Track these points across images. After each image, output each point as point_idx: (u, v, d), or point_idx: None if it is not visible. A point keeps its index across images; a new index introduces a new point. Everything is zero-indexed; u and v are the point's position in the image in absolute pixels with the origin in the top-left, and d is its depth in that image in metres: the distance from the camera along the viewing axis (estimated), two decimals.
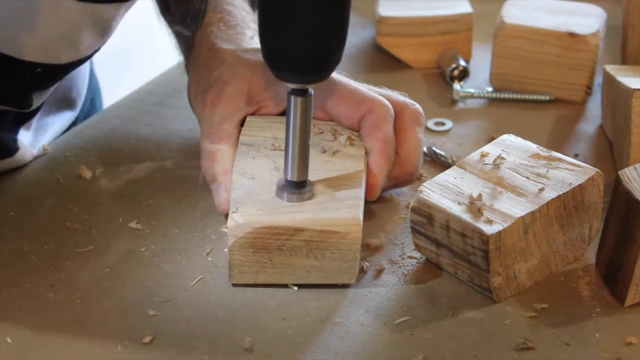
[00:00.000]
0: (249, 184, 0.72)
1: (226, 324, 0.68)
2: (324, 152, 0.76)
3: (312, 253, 0.69)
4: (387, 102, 0.78)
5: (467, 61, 1.05)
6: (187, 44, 0.89)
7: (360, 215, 0.69)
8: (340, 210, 0.69)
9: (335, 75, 0.80)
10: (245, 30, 0.87)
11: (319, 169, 0.74)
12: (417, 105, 0.80)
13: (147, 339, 0.66)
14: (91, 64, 1.08)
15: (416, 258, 0.75)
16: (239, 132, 0.79)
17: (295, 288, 0.71)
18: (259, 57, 0.78)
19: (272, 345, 0.66)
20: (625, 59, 1.03)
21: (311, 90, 0.69)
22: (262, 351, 0.66)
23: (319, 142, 0.77)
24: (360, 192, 0.72)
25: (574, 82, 0.98)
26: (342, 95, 0.79)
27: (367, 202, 0.76)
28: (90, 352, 0.66)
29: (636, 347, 0.66)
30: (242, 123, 0.80)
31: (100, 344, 0.66)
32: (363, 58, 1.10)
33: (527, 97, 0.99)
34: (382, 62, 1.08)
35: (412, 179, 0.81)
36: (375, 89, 0.81)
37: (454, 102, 1.00)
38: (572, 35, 0.97)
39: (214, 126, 0.79)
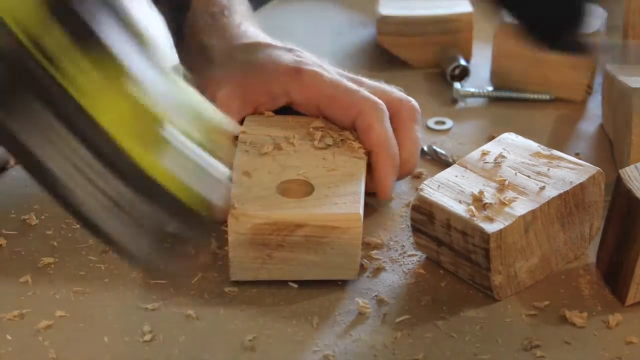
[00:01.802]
0: (248, 181, 0.72)
1: (226, 322, 0.68)
2: (324, 149, 0.76)
3: (312, 249, 0.69)
4: (378, 101, 0.77)
5: (467, 60, 1.05)
6: (177, 37, 0.87)
7: (361, 210, 0.69)
8: (340, 205, 0.69)
9: (326, 73, 0.79)
10: (233, 16, 0.84)
11: (318, 165, 0.74)
12: (414, 102, 0.80)
13: (147, 337, 0.66)
14: None
15: (416, 256, 0.75)
16: (237, 133, 0.79)
17: (295, 286, 0.71)
18: (249, 56, 0.77)
19: (273, 344, 0.66)
20: None
21: None
22: (262, 349, 0.66)
23: (319, 139, 0.77)
24: (361, 187, 0.72)
25: (574, 81, 0.98)
26: (333, 97, 0.78)
27: (367, 201, 0.76)
28: (90, 350, 0.66)
29: (637, 347, 0.66)
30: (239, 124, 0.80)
31: (100, 341, 0.66)
32: (363, 57, 1.10)
33: (527, 96, 0.99)
34: (382, 61, 1.08)
35: (410, 174, 0.81)
36: (372, 83, 0.80)
37: (454, 101, 1.00)
38: None
39: None
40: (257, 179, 0.73)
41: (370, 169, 0.77)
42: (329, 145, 0.77)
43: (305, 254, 0.69)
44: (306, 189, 0.72)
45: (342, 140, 0.77)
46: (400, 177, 0.80)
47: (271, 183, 0.72)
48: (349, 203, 0.70)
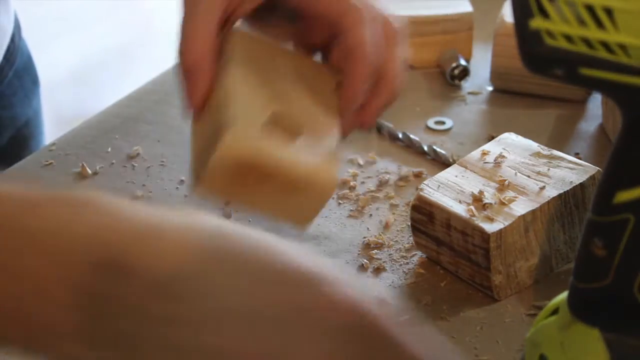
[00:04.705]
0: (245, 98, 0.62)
1: None
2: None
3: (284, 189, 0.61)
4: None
5: (467, 60, 1.05)
6: None
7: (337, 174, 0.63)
8: (324, 163, 0.62)
9: None
10: None
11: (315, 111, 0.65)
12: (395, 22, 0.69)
13: None
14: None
15: (416, 256, 0.75)
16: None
17: None
18: None
19: None
20: None
21: None
22: None
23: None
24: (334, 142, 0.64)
25: None
26: None
27: (366, 200, 0.75)
28: None
29: None
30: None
31: None
32: None
33: None
34: None
35: (394, 99, 0.68)
36: None
37: (454, 101, 1.00)
38: None
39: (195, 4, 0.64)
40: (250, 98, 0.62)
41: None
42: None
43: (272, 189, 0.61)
44: (294, 129, 0.62)
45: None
46: (386, 103, 0.67)
47: (264, 107, 0.62)
48: (332, 166, 0.62)
